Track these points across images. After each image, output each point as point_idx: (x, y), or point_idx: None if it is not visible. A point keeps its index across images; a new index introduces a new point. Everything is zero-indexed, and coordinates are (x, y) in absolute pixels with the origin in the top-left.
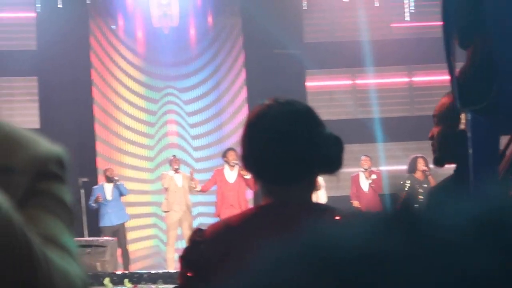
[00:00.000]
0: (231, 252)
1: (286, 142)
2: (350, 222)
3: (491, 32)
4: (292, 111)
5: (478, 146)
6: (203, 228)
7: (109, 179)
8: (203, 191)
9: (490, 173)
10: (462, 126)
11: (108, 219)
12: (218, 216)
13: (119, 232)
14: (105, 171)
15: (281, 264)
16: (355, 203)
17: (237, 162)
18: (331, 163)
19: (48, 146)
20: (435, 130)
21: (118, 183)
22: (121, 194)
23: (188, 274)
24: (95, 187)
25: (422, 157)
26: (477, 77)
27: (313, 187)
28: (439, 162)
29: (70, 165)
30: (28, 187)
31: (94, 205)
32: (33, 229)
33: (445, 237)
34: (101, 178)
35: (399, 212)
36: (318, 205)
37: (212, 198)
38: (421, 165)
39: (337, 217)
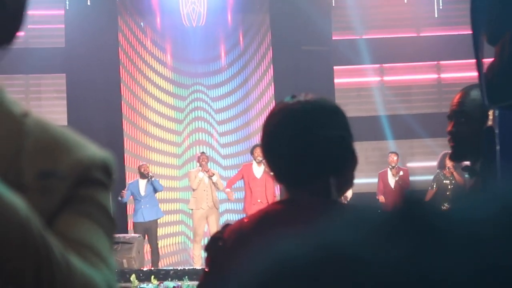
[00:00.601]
0: (244, 249)
1: (291, 144)
2: (357, 219)
3: None
4: (300, 111)
5: (507, 143)
6: (229, 224)
7: (143, 175)
8: (228, 186)
9: None
10: (489, 123)
11: (141, 215)
12: (246, 212)
13: (151, 229)
14: (140, 167)
15: (288, 261)
16: (381, 198)
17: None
18: (335, 165)
19: (94, 151)
20: (452, 124)
21: (152, 179)
22: (156, 191)
23: (206, 270)
24: (130, 182)
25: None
26: (506, 73)
27: (330, 187)
28: (457, 158)
29: (116, 171)
30: (69, 192)
31: (120, 199)
32: (65, 234)
33: (470, 231)
34: (129, 175)
35: (406, 208)
36: (334, 204)
37: (239, 194)
38: (448, 161)
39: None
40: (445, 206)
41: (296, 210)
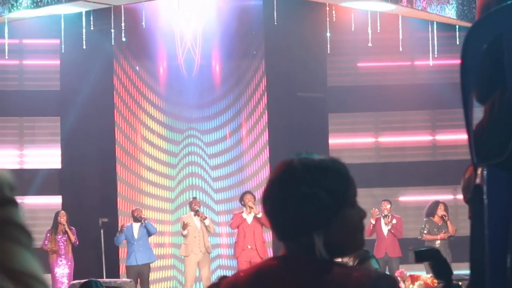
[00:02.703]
0: None
1: (274, 201)
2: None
3: (510, 89)
4: (287, 170)
5: (495, 200)
6: (225, 277)
7: (136, 219)
8: (232, 227)
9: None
10: (478, 181)
11: (134, 258)
12: (237, 257)
13: (143, 273)
14: (133, 211)
15: None
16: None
17: (252, 205)
18: (308, 222)
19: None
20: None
21: (145, 222)
22: (149, 233)
23: None
24: (126, 225)
25: (442, 203)
26: (495, 132)
27: (313, 244)
28: None
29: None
30: None
31: (119, 238)
32: (3, 264)
33: None
34: (122, 219)
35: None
36: (321, 262)
37: (231, 240)
38: (440, 210)
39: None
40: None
41: (285, 269)
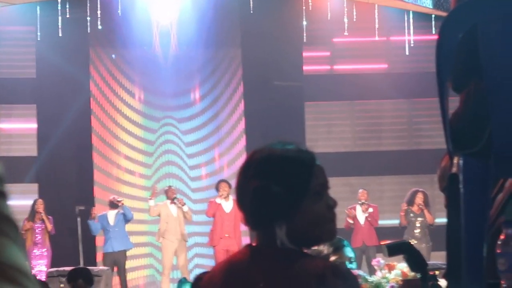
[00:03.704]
0: None
1: (238, 192)
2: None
3: (486, 78)
4: (251, 160)
5: (470, 188)
6: (201, 278)
7: (113, 205)
8: (208, 215)
9: (482, 216)
10: (454, 169)
11: (110, 245)
12: (213, 245)
13: (120, 260)
14: (110, 199)
15: None
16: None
17: (227, 193)
18: (264, 214)
19: None
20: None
21: (122, 205)
22: (126, 219)
23: None
24: (99, 214)
25: (422, 191)
26: (470, 121)
27: (275, 235)
28: None
29: (5, 178)
30: None
31: (94, 227)
32: None
33: None
34: (98, 207)
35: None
36: (282, 252)
37: (207, 228)
38: (419, 199)
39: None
40: (413, 242)
41: (251, 258)
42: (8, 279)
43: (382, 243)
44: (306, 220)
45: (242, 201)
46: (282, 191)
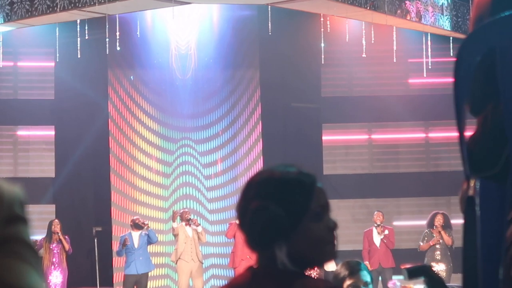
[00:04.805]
0: None
1: (238, 213)
2: None
3: (504, 102)
4: (251, 182)
5: (488, 212)
6: None
7: (138, 227)
8: (228, 237)
9: (498, 239)
10: (470, 192)
11: (134, 268)
12: (234, 267)
13: (141, 282)
14: (134, 220)
15: None
16: (366, 263)
17: None
18: (264, 235)
19: (10, 188)
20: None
21: (148, 229)
22: (150, 241)
23: None
24: (122, 235)
25: (442, 213)
26: (488, 144)
27: (275, 255)
28: None
29: (27, 203)
30: None
31: (122, 251)
32: (10, 283)
33: None
34: (115, 228)
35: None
36: (282, 273)
37: (224, 250)
38: (437, 221)
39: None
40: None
41: (251, 280)
42: None
43: (402, 266)
44: (306, 241)
45: (243, 222)
46: (280, 212)
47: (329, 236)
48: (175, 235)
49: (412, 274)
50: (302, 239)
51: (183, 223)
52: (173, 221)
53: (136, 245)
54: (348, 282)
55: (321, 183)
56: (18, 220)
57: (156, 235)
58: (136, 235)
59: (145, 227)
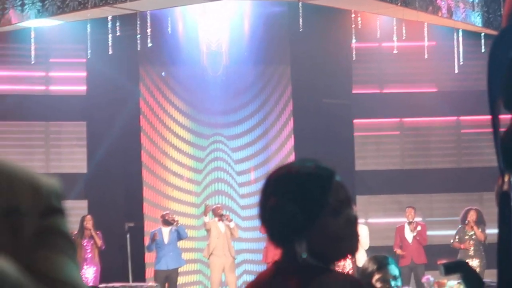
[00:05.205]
0: None
1: (260, 209)
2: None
3: None
4: (271, 179)
5: None
6: None
7: (167, 223)
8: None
9: None
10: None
11: (164, 263)
12: (267, 262)
13: (172, 277)
14: (164, 215)
15: None
16: (399, 251)
17: None
18: (283, 230)
19: (47, 180)
20: None
21: (178, 225)
22: (180, 237)
23: None
24: (152, 231)
25: (475, 209)
26: None
27: (295, 250)
28: None
29: (65, 196)
30: (36, 226)
31: (152, 245)
32: (48, 275)
33: None
34: (147, 224)
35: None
36: (301, 268)
37: (256, 245)
38: (470, 217)
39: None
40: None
41: (274, 274)
42: None
43: (439, 262)
44: (324, 236)
45: (263, 219)
46: (296, 208)
47: (349, 230)
48: (207, 230)
49: (448, 270)
50: (321, 234)
51: (216, 219)
52: (205, 215)
53: (166, 241)
54: (376, 276)
55: (340, 177)
56: (56, 212)
57: (187, 231)
58: (166, 230)
59: (175, 223)
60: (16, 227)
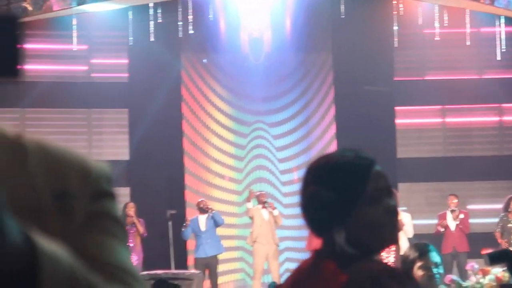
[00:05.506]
0: None
1: (300, 198)
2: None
3: None
4: (313, 167)
5: None
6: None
7: (203, 211)
8: None
9: None
10: None
11: (203, 251)
12: (311, 250)
13: (211, 264)
14: (199, 203)
15: None
16: (440, 228)
17: None
18: (321, 219)
19: (96, 163)
20: None
21: (212, 212)
22: (217, 224)
23: None
24: (190, 219)
25: None
26: None
27: (334, 239)
28: None
29: (114, 179)
30: (86, 209)
31: (186, 232)
32: (98, 258)
33: None
34: (189, 211)
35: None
36: (339, 257)
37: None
38: None
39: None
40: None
41: (313, 263)
42: (117, 280)
43: (484, 251)
44: (362, 225)
45: (303, 208)
46: (334, 196)
47: (388, 220)
48: (250, 217)
49: (493, 259)
50: (359, 223)
51: (259, 206)
52: (248, 201)
53: (203, 228)
54: (418, 263)
55: (380, 167)
56: (106, 196)
57: (222, 217)
58: (203, 218)
59: (209, 211)
60: (67, 211)
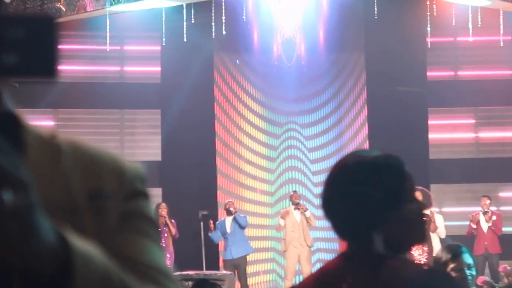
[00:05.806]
0: None
1: (332, 200)
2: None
3: None
4: (344, 168)
5: None
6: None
7: (229, 212)
8: None
9: None
10: None
11: (229, 253)
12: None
13: (240, 265)
14: (225, 204)
15: None
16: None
17: None
18: (363, 221)
19: (131, 164)
20: None
21: (235, 214)
22: (240, 226)
23: None
24: (218, 221)
25: None
26: None
27: (373, 241)
28: None
29: (148, 179)
30: (120, 210)
31: (213, 235)
32: (133, 258)
33: None
34: (221, 212)
35: None
36: (379, 258)
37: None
38: None
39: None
40: None
41: (345, 266)
42: (150, 280)
43: None
44: (402, 225)
45: (333, 210)
46: (382, 196)
47: (421, 218)
48: (280, 224)
49: None
50: (399, 223)
51: (292, 207)
52: (283, 218)
53: (229, 230)
54: (451, 265)
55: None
56: (140, 195)
57: (247, 219)
58: (229, 220)
59: (234, 212)
60: (101, 211)
